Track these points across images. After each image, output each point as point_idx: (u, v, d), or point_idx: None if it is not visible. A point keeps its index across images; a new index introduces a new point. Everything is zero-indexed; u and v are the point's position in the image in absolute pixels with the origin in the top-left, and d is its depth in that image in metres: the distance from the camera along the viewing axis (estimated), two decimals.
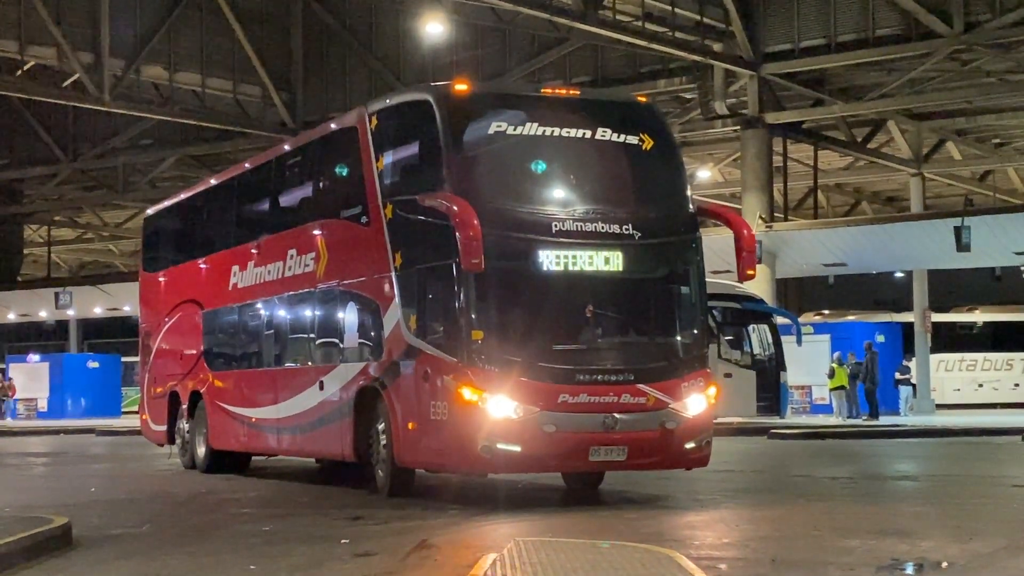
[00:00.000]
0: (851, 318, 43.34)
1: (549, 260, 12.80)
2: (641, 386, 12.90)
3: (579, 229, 12.90)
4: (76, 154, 42.24)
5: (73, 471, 21.28)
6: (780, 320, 30.75)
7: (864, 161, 39.80)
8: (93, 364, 52.38)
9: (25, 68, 34.04)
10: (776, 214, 33.61)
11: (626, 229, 13.11)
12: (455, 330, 12.71)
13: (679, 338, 13.71)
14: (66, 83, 33.93)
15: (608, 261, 13.02)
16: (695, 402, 13.20)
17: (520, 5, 28.86)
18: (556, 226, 12.84)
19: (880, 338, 36.17)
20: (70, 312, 50.34)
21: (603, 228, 12.98)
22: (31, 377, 51.59)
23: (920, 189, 39.62)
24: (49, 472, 21.88)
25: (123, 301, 44.75)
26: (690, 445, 13.24)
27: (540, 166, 13.35)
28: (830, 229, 34.89)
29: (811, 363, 33.42)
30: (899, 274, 48.00)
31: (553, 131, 13.40)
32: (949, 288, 48.87)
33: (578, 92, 15.41)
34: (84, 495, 15.85)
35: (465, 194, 12.58)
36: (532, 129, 13.36)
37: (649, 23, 30.39)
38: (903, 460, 21.33)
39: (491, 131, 13.40)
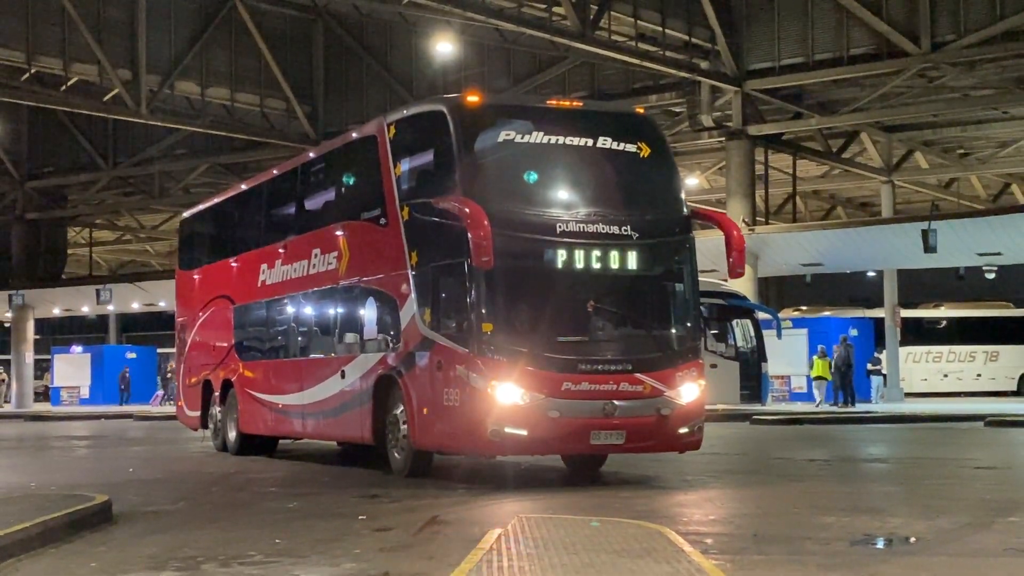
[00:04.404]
0: (827, 314, 43.23)
1: (553, 258, 12.75)
2: (638, 375, 12.83)
3: (581, 230, 12.83)
4: (115, 162, 42.35)
5: (113, 453, 21.24)
6: (762, 315, 30.67)
7: (839, 170, 39.68)
8: (131, 355, 52.37)
9: (69, 84, 33.98)
10: (758, 218, 33.49)
11: (625, 230, 13.04)
12: (467, 323, 12.64)
13: (673, 331, 13.62)
14: (106, 97, 33.94)
15: (608, 259, 12.95)
16: (688, 390, 13.12)
17: (523, 26, 28.86)
18: (560, 227, 12.77)
19: (854, 332, 36.13)
20: (110, 307, 50.31)
21: (604, 229, 12.92)
22: (74, 367, 51.60)
23: (890, 195, 39.53)
24: (90, 454, 21.82)
25: (159, 297, 44.72)
26: (683, 430, 13.16)
27: (545, 172, 13.28)
28: (808, 232, 34.87)
29: (790, 355, 33.40)
30: (871, 273, 47.86)
31: (557, 140, 13.32)
32: (917, 286, 48.76)
33: (581, 104, 15.36)
34: (123, 475, 15.80)
35: (476, 197, 12.50)
36: (538, 138, 13.28)
37: (642, 43, 30.35)
38: (874, 444, 21.25)
39: (500, 139, 13.35)
